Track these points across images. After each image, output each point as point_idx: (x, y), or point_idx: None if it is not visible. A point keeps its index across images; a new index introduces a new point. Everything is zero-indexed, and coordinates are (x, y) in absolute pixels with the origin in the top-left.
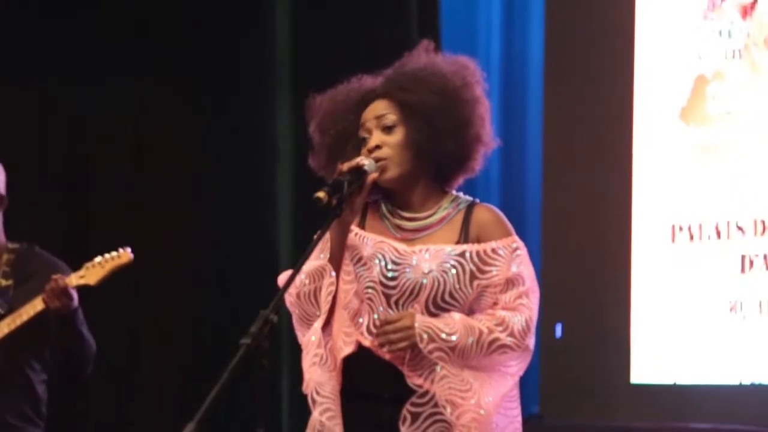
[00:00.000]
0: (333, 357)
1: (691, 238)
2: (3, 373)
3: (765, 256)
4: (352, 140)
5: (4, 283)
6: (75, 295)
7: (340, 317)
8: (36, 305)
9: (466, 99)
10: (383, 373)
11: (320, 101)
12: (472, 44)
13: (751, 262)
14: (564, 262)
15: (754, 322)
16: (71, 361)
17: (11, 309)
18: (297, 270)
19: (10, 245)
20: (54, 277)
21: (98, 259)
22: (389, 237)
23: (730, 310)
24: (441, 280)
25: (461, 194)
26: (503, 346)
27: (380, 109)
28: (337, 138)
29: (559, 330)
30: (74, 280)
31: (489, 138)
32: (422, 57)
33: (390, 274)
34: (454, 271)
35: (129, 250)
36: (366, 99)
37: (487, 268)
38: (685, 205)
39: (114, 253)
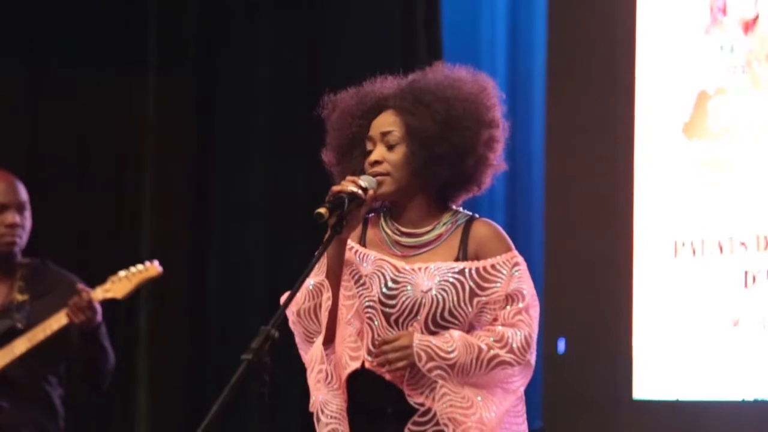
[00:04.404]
0: (337, 374)
1: (694, 253)
2: (21, 387)
3: None
4: (360, 146)
5: (20, 298)
6: (99, 309)
7: (344, 333)
8: (60, 319)
9: (471, 128)
10: (387, 390)
11: (338, 99)
12: (476, 63)
13: (754, 278)
14: (567, 278)
15: (757, 338)
16: (90, 373)
17: (30, 324)
18: (297, 288)
19: (23, 260)
20: (79, 288)
21: (123, 272)
22: (388, 253)
23: (733, 325)
24: (440, 298)
25: (461, 209)
26: (503, 362)
27: (387, 124)
28: (347, 140)
29: (562, 345)
30: (99, 293)
31: (497, 160)
32: (442, 73)
33: (389, 293)
34: (453, 289)
35: (156, 263)
36: (379, 106)
37: (487, 285)
38: (687, 220)
39: (140, 266)
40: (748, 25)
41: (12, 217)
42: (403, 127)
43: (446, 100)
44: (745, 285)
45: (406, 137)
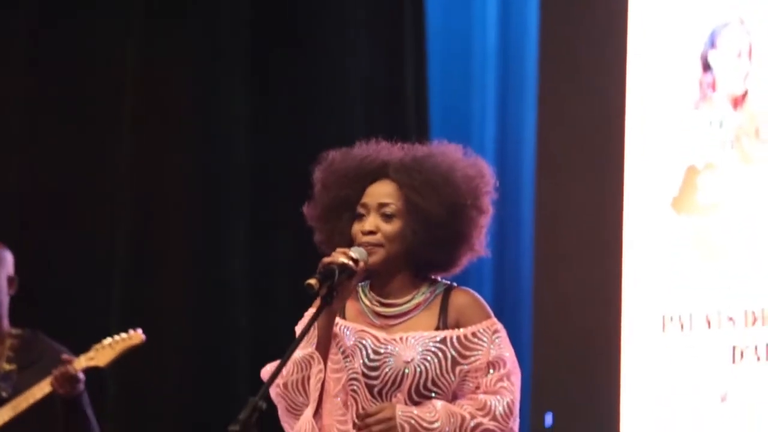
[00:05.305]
0: None
1: (682, 327)
2: None
3: (756, 347)
4: (350, 210)
5: (7, 367)
6: (83, 378)
7: (332, 407)
8: (43, 388)
9: (471, 216)
10: None
11: (333, 156)
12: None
13: (742, 353)
14: (555, 351)
15: (745, 414)
16: None
17: (15, 393)
18: (284, 360)
19: (14, 331)
20: (63, 358)
21: (108, 340)
22: (368, 324)
23: (721, 401)
24: (423, 368)
25: (438, 278)
26: (487, 430)
27: (385, 194)
28: (336, 201)
29: (549, 419)
30: (83, 362)
31: (481, 247)
32: (445, 155)
33: (371, 365)
34: (435, 358)
35: (140, 330)
36: (376, 173)
37: (469, 353)
38: (675, 295)
39: (124, 335)
40: (737, 101)
41: None
42: (402, 201)
43: (454, 185)
44: (733, 360)
45: (405, 213)
